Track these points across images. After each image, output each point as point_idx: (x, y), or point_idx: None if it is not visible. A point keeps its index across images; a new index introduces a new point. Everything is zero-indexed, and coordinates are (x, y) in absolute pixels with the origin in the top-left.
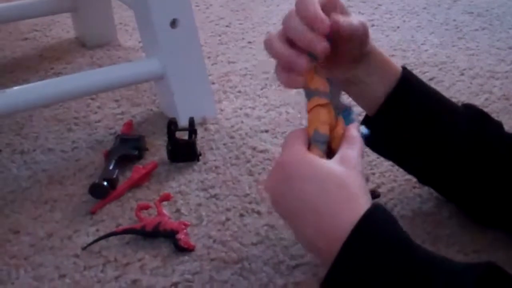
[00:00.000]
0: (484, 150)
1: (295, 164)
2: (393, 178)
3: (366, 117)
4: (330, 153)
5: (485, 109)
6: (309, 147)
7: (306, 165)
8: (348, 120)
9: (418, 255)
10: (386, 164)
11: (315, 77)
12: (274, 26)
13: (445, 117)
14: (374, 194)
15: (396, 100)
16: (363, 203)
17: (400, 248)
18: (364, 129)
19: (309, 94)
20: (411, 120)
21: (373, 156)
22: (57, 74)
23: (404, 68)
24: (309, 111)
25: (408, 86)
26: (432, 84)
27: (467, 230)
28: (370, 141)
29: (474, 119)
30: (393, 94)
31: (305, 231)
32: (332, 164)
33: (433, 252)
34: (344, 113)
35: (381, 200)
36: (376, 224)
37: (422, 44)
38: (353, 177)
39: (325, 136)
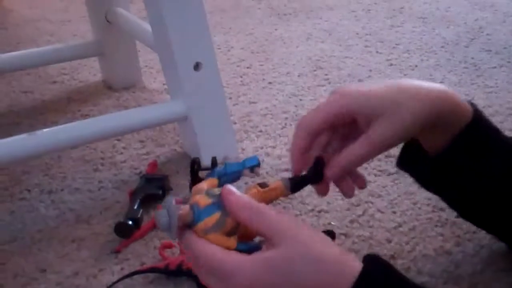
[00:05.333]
0: None
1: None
2: (415, 217)
3: (412, 152)
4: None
5: None
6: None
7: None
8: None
9: None
10: (407, 202)
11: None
12: (294, 67)
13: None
14: (331, 235)
15: (463, 144)
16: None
17: None
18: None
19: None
20: (475, 163)
21: (393, 195)
22: (85, 116)
23: (473, 108)
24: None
25: (477, 131)
26: None
27: (490, 269)
28: (425, 178)
29: None
30: (460, 139)
31: None
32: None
33: None
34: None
35: (403, 239)
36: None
37: (440, 82)
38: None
39: (246, 244)
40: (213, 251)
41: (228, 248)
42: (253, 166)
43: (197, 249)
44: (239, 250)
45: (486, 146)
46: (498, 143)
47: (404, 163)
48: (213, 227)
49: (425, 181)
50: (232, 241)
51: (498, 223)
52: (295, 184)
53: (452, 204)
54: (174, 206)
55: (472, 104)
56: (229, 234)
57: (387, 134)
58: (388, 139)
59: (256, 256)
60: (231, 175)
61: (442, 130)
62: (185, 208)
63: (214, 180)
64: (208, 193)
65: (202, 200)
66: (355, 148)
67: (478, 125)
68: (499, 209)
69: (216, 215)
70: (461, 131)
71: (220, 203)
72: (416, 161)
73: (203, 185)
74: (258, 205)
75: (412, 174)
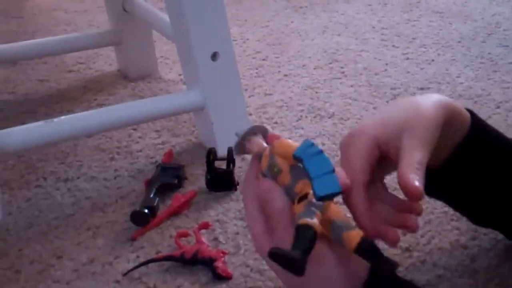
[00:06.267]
0: None
1: None
2: (431, 210)
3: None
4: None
5: None
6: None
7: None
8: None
9: None
10: None
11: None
12: (309, 59)
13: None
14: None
15: (465, 154)
16: None
17: None
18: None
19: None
20: (480, 170)
21: None
22: (100, 105)
23: (472, 116)
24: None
25: (478, 138)
26: None
27: (506, 263)
28: (430, 189)
29: None
30: (462, 148)
31: None
32: None
33: None
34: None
35: (418, 232)
36: None
37: (457, 77)
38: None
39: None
40: (253, 219)
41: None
42: (316, 197)
43: (245, 203)
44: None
45: (488, 152)
46: (499, 147)
47: None
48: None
49: (431, 192)
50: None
51: (507, 224)
52: (365, 250)
53: (461, 212)
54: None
55: (470, 111)
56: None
57: (422, 133)
58: (426, 137)
59: None
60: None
61: (444, 139)
62: (261, 144)
63: (290, 152)
64: (271, 158)
65: (264, 160)
66: (410, 155)
67: (478, 131)
68: (506, 210)
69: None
70: (463, 140)
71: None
72: None
73: (281, 144)
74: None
75: None
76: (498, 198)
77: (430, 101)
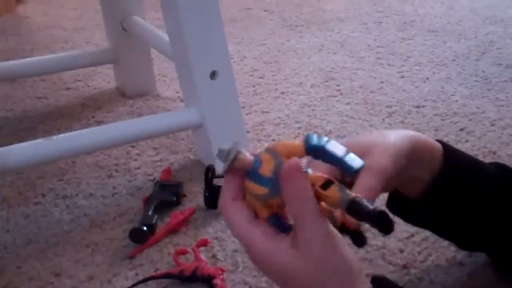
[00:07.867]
0: None
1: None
2: None
3: (398, 197)
4: None
5: None
6: None
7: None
8: None
9: None
10: None
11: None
12: (306, 78)
13: (484, 185)
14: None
15: (441, 186)
16: None
17: None
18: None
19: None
20: (457, 197)
21: None
22: (99, 122)
23: (444, 148)
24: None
25: (452, 169)
26: (463, 134)
27: (503, 280)
28: (413, 219)
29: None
30: (438, 180)
31: None
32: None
33: None
34: None
35: (415, 249)
36: None
37: (452, 95)
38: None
39: (277, 220)
40: (239, 221)
41: (259, 215)
42: (352, 171)
43: (226, 210)
44: (269, 222)
45: (463, 181)
46: (473, 175)
47: (392, 208)
48: (254, 195)
49: (414, 222)
50: (265, 212)
51: (493, 247)
52: (354, 210)
53: (446, 238)
54: (239, 146)
55: (442, 142)
56: (266, 205)
57: (383, 160)
58: (386, 165)
59: (272, 245)
60: (322, 158)
61: (417, 172)
62: (250, 158)
63: (299, 147)
64: (275, 159)
65: (266, 165)
66: (363, 180)
67: (451, 162)
68: (490, 233)
69: (263, 190)
70: (438, 173)
71: (275, 182)
72: (402, 205)
73: (283, 145)
74: (317, 216)
75: (401, 217)
76: (479, 224)
77: (398, 132)
